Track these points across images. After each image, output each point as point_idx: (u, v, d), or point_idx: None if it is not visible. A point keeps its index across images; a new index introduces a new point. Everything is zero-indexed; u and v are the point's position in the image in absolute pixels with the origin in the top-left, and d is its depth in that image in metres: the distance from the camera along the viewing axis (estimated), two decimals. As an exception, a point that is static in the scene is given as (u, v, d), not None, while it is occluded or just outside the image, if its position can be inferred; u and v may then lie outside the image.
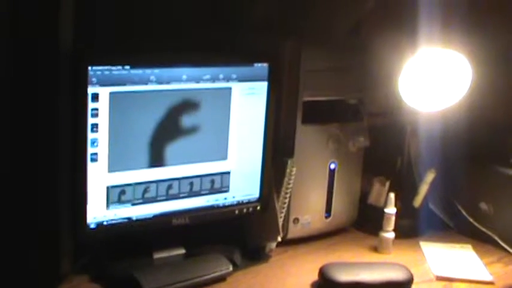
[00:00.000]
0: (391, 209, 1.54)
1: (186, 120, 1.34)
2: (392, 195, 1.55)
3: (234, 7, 1.50)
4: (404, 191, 1.64)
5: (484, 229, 1.61)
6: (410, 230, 1.63)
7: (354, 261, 1.50)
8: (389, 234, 1.55)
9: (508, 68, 1.53)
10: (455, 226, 1.68)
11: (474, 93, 1.50)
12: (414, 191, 1.64)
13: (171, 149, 1.34)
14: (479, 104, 1.54)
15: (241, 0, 1.54)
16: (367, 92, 1.56)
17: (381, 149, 1.66)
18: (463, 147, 1.62)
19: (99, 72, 1.23)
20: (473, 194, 1.64)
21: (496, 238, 1.59)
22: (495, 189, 1.61)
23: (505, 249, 1.57)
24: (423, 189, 1.63)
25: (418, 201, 1.64)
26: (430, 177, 1.62)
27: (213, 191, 1.41)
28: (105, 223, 1.30)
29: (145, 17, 1.39)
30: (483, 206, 1.62)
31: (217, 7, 1.49)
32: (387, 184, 1.62)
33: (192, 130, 1.35)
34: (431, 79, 1.48)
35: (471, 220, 1.64)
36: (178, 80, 1.31)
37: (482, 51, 1.46)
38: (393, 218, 1.54)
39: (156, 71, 1.28)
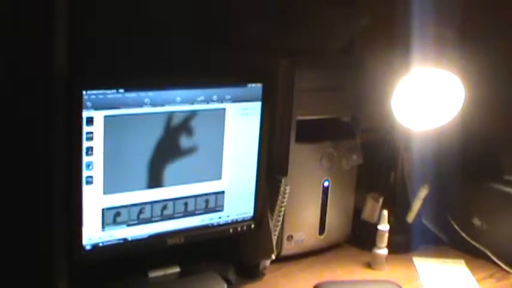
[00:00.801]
0: (384, 226, 1.56)
1: (181, 142, 1.35)
2: (385, 213, 1.56)
3: (227, 26, 1.51)
4: (398, 206, 1.66)
5: (477, 244, 1.63)
6: (403, 245, 1.64)
7: (347, 279, 1.52)
8: (383, 251, 1.56)
9: (500, 87, 1.55)
10: (448, 241, 1.70)
11: (467, 111, 1.51)
12: (407, 207, 1.66)
13: (166, 170, 1.35)
14: (472, 121, 1.55)
15: (234, 19, 1.55)
16: (360, 109, 1.58)
17: (374, 164, 1.67)
18: (456, 163, 1.64)
19: (93, 96, 1.24)
20: (467, 210, 1.66)
21: (489, 253, 1.61)
22: (488, 205, 1.62)
23: (498, 265, 1.59)
24: (416, 205, 1.64)
25: (411, 217, 1.65)
26: (423, 193, 1.63)
27: (207, 210, 1.42)
28: (100, 244, 1.31)
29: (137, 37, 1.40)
30: (476, 221, 1.64)
31: (211, 26, 1.50)
32: (380, 200, 1.63)
33: (187, 151, 1.36)
34: (425, 98, 1.50)
35: (464, 235, 1.65)
36: (173, 102, 1.32)
37: (474, 71, 1.48)
38: (386, 235, 1.56)
39: (151, 93, 1.29)
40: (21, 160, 1.27)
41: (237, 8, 1.50)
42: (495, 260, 1.59)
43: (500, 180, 1.60)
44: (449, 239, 1.70)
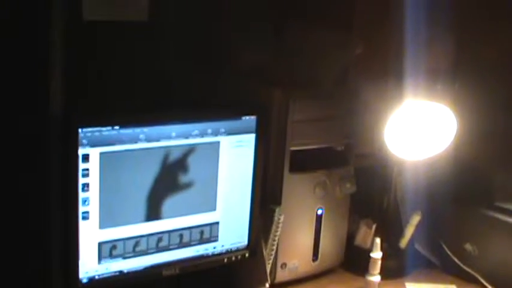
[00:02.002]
0: (377, 254, 1.58)
1: (176, 175, 1.37)
2: (378, 240, 1.58)
3: (221, 56, 1.52)
4: (391, 232, 1.68)
5: (468, 269, 1.65)
6: (396, 270, 1.66)
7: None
8: (375, 278, 1.58)
9: (490, 117, 1.57)
10: (440, 265, 1.72)
11: (459, 140, 1.54)
12: (400, 232, 1.68)
13: (161, 204, 1.37)
14: (463, 150, 1.58)
15: (229, 48, 1.57)
16: (354, 138, 1.60)
17: (368, 190, 1.69)
18: (448, 189, 1.66)
19: (89, 134, 1.25)
20: (459, 235, 1.68)
21: (480, 278, 1.63)
22: (480, 230, 1.65)
23: (489, 290, 1.63)
24: (409, 231, 1.66)
25: (404, 243, 1.67)
26: (415, 219, 1.65)
27: (202, 241, 1.44)
28: (96, 277, 1.33)
29: (130, 72, 1.41)
30: (468, 247, 1.66)
31: (205, 56, 1.51)
32: (373, 227, 1.65)
33: (182, 184, 1.38)
34: (417, 129, 1.52)
35: (456, 260, 1.67)
36: (168, 137, 1.34)
37: (466, 102, 1.50)
38: (379, 262, 1.58)
39: (146, 129, 1.31)
40: (18, 196, 1.29)
41: (234, 35, 1.52)
42: (486, 284, 1.61)
43: (492, 207, 1.63)
44: (441, 264, 1.72)
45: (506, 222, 1.60)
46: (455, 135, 1.53)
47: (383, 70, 1.55)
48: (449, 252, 1.69)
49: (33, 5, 1.22)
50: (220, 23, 1.46)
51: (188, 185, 1.39)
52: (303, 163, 1.53)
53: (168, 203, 1.37)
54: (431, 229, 1.69)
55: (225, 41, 1.51)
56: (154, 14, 1.31)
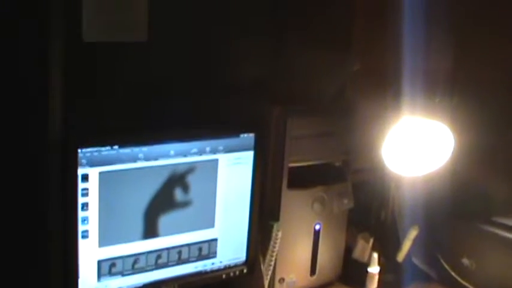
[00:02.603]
0: (374, 268, 1.59)
1: (175, 193, 1.38)
2: (375, 255, 1.60)
3: (219, 73, 1.53)
4: (388, 245, 1.69)
5: (466, 283, 1.66)
6: (394, 284, 1.67)
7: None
8: (373, 292, 1.60)
9: (488, 134, 1.58)
10: (438, 279, 1.73)
11: (456, 157, 1.54)
12: (398, 246, 1.69)
13: (160, 221, 1.38)
14: (461, 166, 1.58)
15: (229, 63, 1.58)
16: (351, 153, 1.61)
17: (365, 203, 1.70)
18: (446, 204, 1.67)
19: (88, 154, 1.27)
20: (456, 249, 1.69)
21: (478, 293, 1.65)
22: (477, 245, 1.66)
23: (486, 304, 1.64)
24: (406, 245, 1.67)
25: (401, 257, 1.68)
26: (413, 233, 1.66)
27: (200, 257, 1.45)
28: (96, 295, 1.36)
29: (128, 90, 1.41)
30: (465, 261, 1.67)
31: (204, 74, 1.52)
32: (371, 241, 1.66)
33: (181, 202, 1.39)
34: (414, 146, 1.52)
35: (454, 274, 1.68)
36: (166, 155, 1.36)
37: (463, 119, 1.51)
38: (376, 277, 1.59)
39: (144, 149, 1.33)
40: (18, 216, 1.30)
41: (232, 51, 1.53)
42: (483, 298, 1.64)
43: (489, 221, 1.64)
44: (438, 278, 1.72)
45: (503, 237, 1.61)
46: (452, 151, 1.54)
47: (380, 87, 1.56)
48: (446, 266, 1.70)
49: (32, 25, 1.23)
50: (218, 40, 1.47)
51: (187, 203, 1.40)
52: (301, 179, 1.54)
53: (167, 221, 1.39)
54: (429, 243, 1.70)
55: (224, 57, 1.51)
56: (153, 34, 1.32)
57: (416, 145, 1.51)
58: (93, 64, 1.30)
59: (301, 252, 1.60)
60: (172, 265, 1.42)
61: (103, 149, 1.28)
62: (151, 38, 1.34)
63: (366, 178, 1.69)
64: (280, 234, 1.51)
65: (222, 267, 1.49)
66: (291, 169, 1.52)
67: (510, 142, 1.57)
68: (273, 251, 1.52)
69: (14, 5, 1.22)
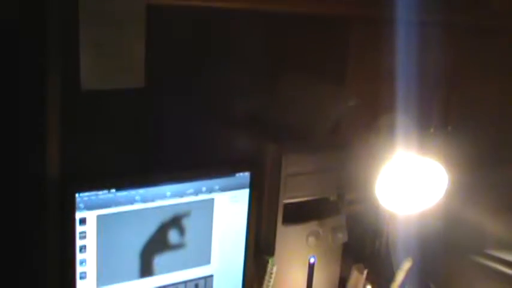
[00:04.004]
0: (368, 301, 1.62)
1: (171, 233, 1.41)
2: (369, 287, 1.62)
3: (217, 103, 1.55)
4: (382, 277, 1.71)
5: (458, 315, 1.70)
6: (387, 314, 1.71)
7: None
8: (367, 324, 1.63)
9: (481, 171, 1.60)
10: (431, 309, 1.77)
11: (450, 193, 1.56)
12: (391, 278, 1.71)
13: (157, 261, 1.40)
14: (454, 201, 1.60)
15: (224, 96, 1.59)
16: (346, 188, 1.63)
17: (360, 235, 1.72)
18: (439, 236, 1.69)
19: (86, 198, 1.29)
20: (449, 281, 1.71)
21: (470, 324, 1.68)
22: (470, 277, 1.68)
23: (478, 336, 1.66)
24: (400, 276, 1.69)
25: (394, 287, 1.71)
26: (407, 265, 1.68)
27: (197, 294, 1.49)
28: (94, 333, 1.38)
29: (124, 134, 1.42)
30: (458, 292, 1.70)
31: (200, 112, 1.54)
32: (365, 272, 1.69)
33: (177, 242, 1.42)
34: (408, 183, 1.54)
35: (446, 306, 1.72)
36: (163, 197, 1.38)
37: (456, 156, 1.53)
38: (370, 309, 1.63)
39: (141, 191, 1.35)
40: (17, 258, 1.33)
41: (228, 85, 1.55)
42: (476, 330, 1.66)
43: (482, 254, 1.66)
44: (431, 308, 1.76)
45: (496, 270, 1.63)
46: (446, 189, 1.56)
47: (374, 122, 1.58)
48: (439, 297, 1.73)
49: (30, 73, 1.25)
50: (215, 78, 1.48)
51: (183, 242, 1.43)
52: (295, 214, 1.56)
53: (164, 259, 1.41)
54: (422, 274, 1.72)
55: (223, 88, 1.53)
56: (150, 79, 1.34)
57: (409, 183, 1.53)
58: (90, 110, 1.32)
59: (296, 285, 1.62)
60: (170, 302, 1.46)
61: (100, 192, 1.31)
62: (149, 83, 1.36)
63: (360, 210, 1.71)
64: (275, 268, 1.54)
65: (217, 302, 1.52)
66: (286, 205, 1.55)
67: (502, 178, 1.60)
68: (268, 286, 1.54)
69: (15, 52, 1.24)
